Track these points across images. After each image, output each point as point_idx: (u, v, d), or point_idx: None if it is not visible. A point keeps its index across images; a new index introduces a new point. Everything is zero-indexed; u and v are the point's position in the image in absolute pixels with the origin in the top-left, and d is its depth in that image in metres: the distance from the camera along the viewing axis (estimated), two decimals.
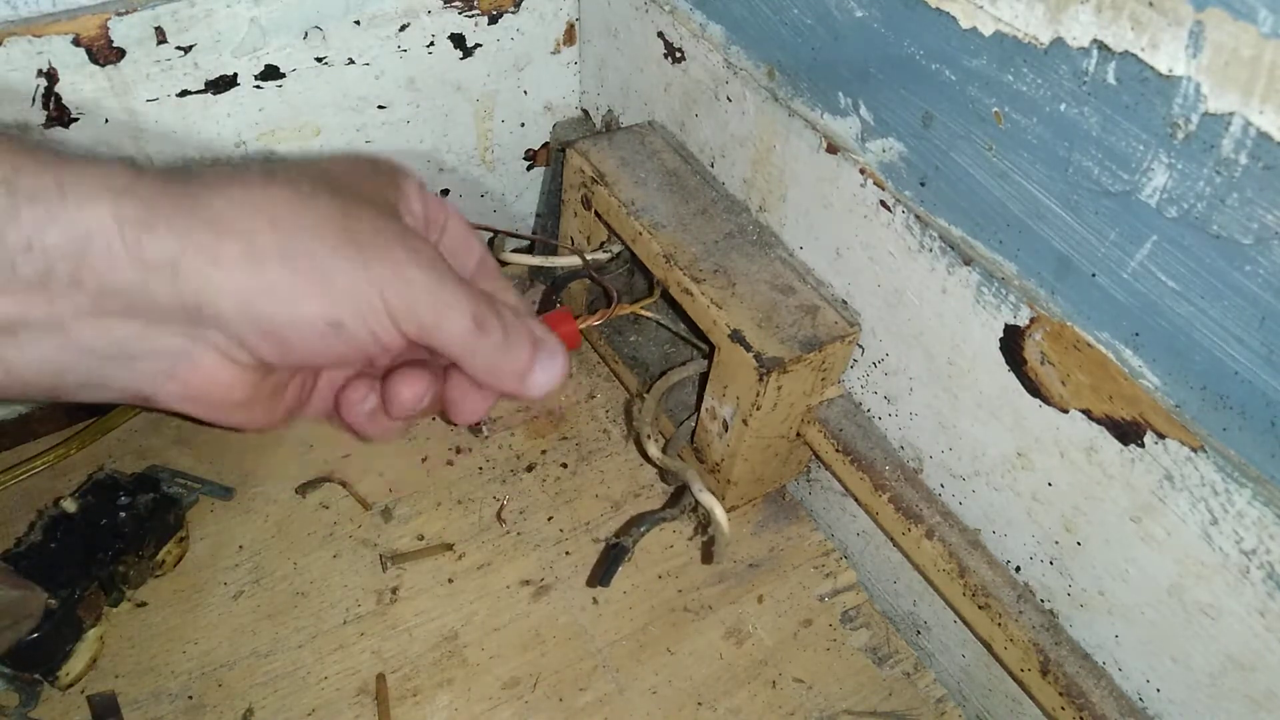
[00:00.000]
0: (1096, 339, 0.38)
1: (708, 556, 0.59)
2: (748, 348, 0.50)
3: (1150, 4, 0.30)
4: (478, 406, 0.34)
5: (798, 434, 0.55)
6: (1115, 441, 0.39)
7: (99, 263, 0.25)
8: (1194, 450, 0.35)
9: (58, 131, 0.52)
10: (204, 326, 0.27)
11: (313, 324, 0.28)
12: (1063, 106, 0.35)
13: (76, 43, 0.50)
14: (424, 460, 0.64)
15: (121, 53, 0.51)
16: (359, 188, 0.30)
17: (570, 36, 0.67)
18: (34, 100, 0.51)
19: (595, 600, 0.57)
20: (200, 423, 0.31)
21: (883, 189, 0.46)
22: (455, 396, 0.33)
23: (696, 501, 0.52)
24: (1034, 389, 0.42)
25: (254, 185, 0.27)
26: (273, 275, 0.27)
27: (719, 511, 0.51)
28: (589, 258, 0.62)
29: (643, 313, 0.60)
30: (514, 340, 0.32)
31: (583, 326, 0.50)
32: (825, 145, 0.48)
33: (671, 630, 0.56)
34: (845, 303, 0.52)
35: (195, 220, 0.26)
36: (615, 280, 0.64)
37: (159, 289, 0.25)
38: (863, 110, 0.45)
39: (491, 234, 0.67)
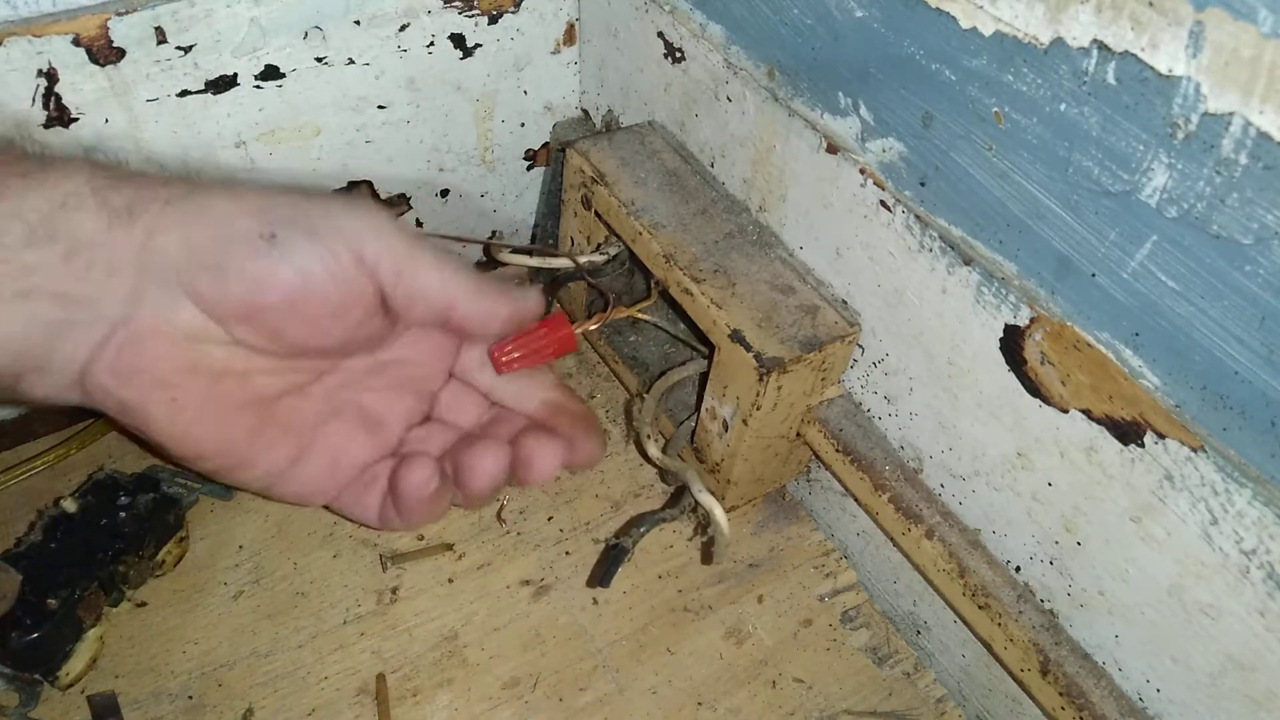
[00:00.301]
0: (1096, 339, 0.38)
1: (707, 557, 0.59)
2: (748, 348, 0.50)
3: (1150, 4, 0.30)
4: (551, 460, 0.34)
5: (798, 434, 0.55)
6: (1115, 441, 0.39)
7: (72, 214, 0.26)
8: (1194, 450, 0.35)
9: (58, 131, 0.52)
10: (149, 278, 0.27)
11: (247, 238, 0.28)
12: (1063, 106, 0.35)
13: (76, 43, 0.50)
14: None
15: (121, 53, 0.51)
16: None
17: (570, 36, 0.67)
18: (34, 100, 0.51)
19: (595, 600, 0.57)
20: (148, 441, 0.31)
21: (883, 189, 0.46)
22: (526, 453, 0.34)
23: (696, 502, 0.52)
24: (1034, 389, 0.42)
25: (193, 192, 0.29)
26: (215, 202, 0.28)
27: (718, 512, 0.51)
28: (583, 260, 0.61)
29: (640, 316, 0.60)
30: (486, 285, 0.33)
31: (579, 331, 0.50)
32: (825, 145, 0.48)
33: (671, 630, 0.56)
34: (845, 303, 0.52)
35: (154, 181, 0.28)
36: (614, 282, 0.64)
37: (117, 234, 0.27)
38: (863, 110, 0.45)
39: (489, 234, 0.67)
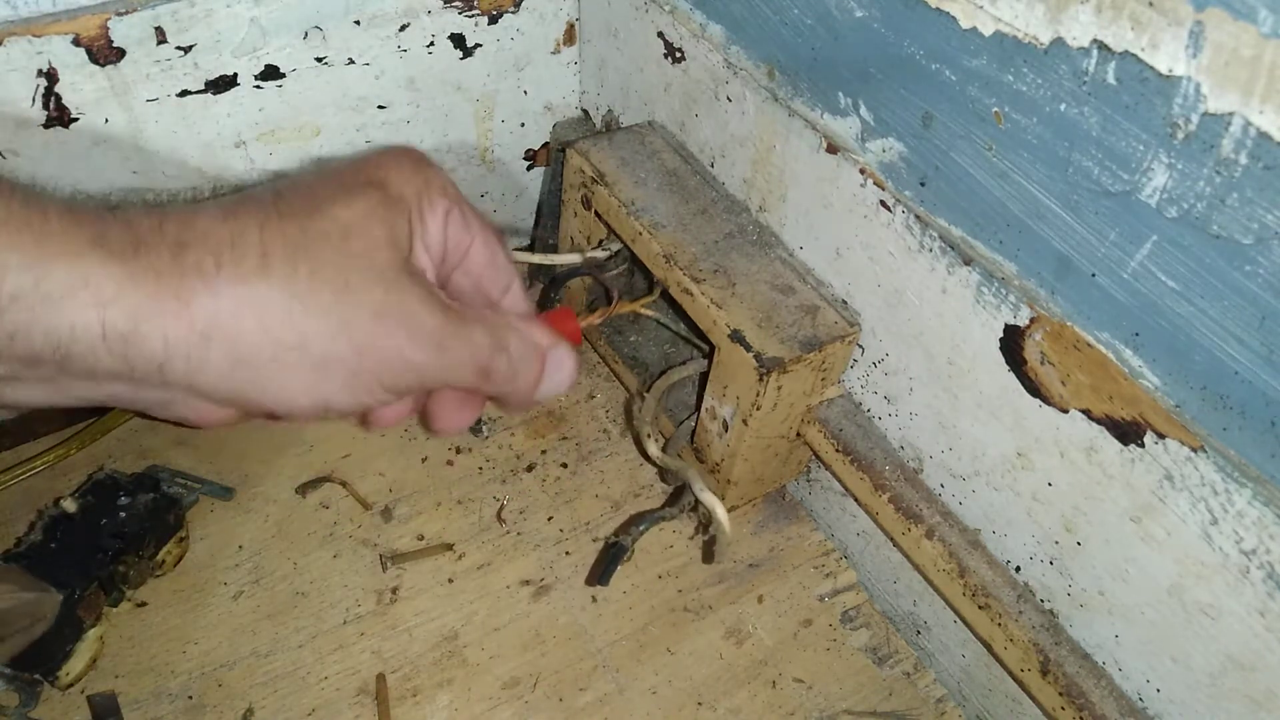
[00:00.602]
0: (1096, 339, 0.38)
1: (709, 556, 0.60)
2: (748, 348, 0.50)
3: (1150, 4, 0.30)
4: (463, 418, 0.34)
5: (798, 434, 0.55)
6: (1115, 441, 0.39)
7: (84, 357, 0.24)
8: (1194, 450, 0.35)
9: (58, 131, 0.52)
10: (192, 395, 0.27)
11: (303, 411, 0.28)
12: (1063, 106, 0.35)
13: (76, 43, 0.50)
14: (424, 460, 0.64)
15: (121, 53, 0.51)
16: (367, 233, 0.28)
17: (570, 36, 0.67)
18: (34, 100, 0.51)
19: (595, 600, 0.57)
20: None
21: (883, 189, 0.46)
22: (437, 409, 0.33)
23: (698, 501, 0.52)
24: (1034, 389, 0.42)
25: (247, 276, 0.26)
26: (261, 375, 0.27)
27: (720, 511, 0.51)
28: (588, 255, 0.62)
29: (643, 311, 0.60)
30: (523, 366, 0.32)
31: (583, 325, 0.50)
32: (825, 145, 0.48)
33: (671, 630, 0.56)
34: (845, 303, 0.52)
35: (180, 323, 0.25)
36: (615, 280, 0.64)
37: (145, 377, 0.25)
38: (863, 110, 0.45)
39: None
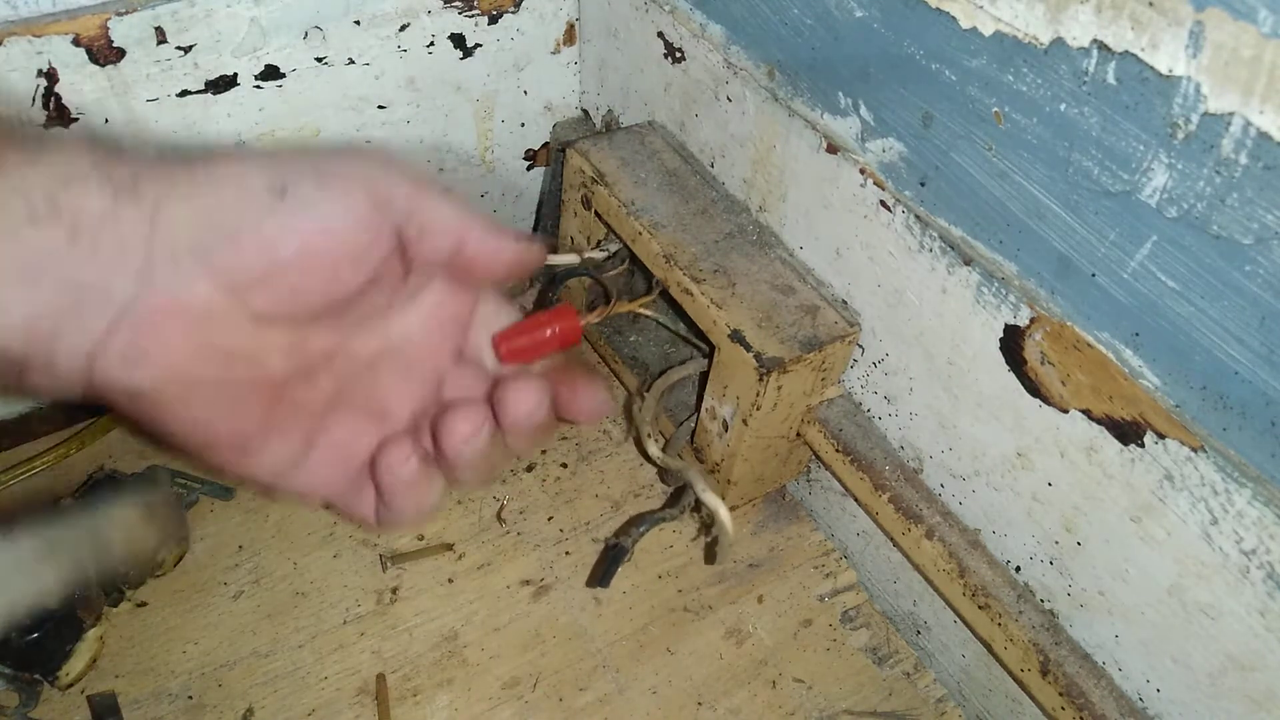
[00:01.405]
0: (1096, 339, 0.38)
1: (711, 556, 0.59)
2: (748, 348, 0.50)
3: (1150, 4, 0.30)
4: (528, 396, 0.33)
5: (798, 434, 0.55)
6: (1115, 441, 0.39)
7: (75, 191, 0.26)
8: (1194, 450, 0.35)
9: (58, 132, 0.52)
10: (159, 253, 0.27)
11: (257, 196, 0.28)
12: (1063, 106, 0.35)
13: (76, 43, 0.50)
14: None
15: (121, 53, 0.51)
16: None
17: (570, 36, 0.67)
18: (34, 100, 0.51)
19: (595, 600, 0.57)
20: (162, 435, 0.30)
21: (883, 189, 0.46)
22: (501, 396, 0.32)
23: (700, 502, 0.52)
24: (1034, 389, 0.42)
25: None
26: (220, 168, 0.28)
27: (724, 513, 0.51)
28: (586, 255, 0.62)
29: (642, 311, 0.60)
30: (494, 223, 0.33)
31: (583, 323, 0.50)
32: (825, 145, 0.48)
33: (671, 630, 0.56)
34: (845, 303, 0.52)
35: (157, 156, 0.28)
36: (614, 280, 0.64)
37: (124, 209, 0.26)
38: (863, 110, 0.45)
39: None
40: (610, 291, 0.59)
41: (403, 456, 0.32)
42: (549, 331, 0.41)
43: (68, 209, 0.26)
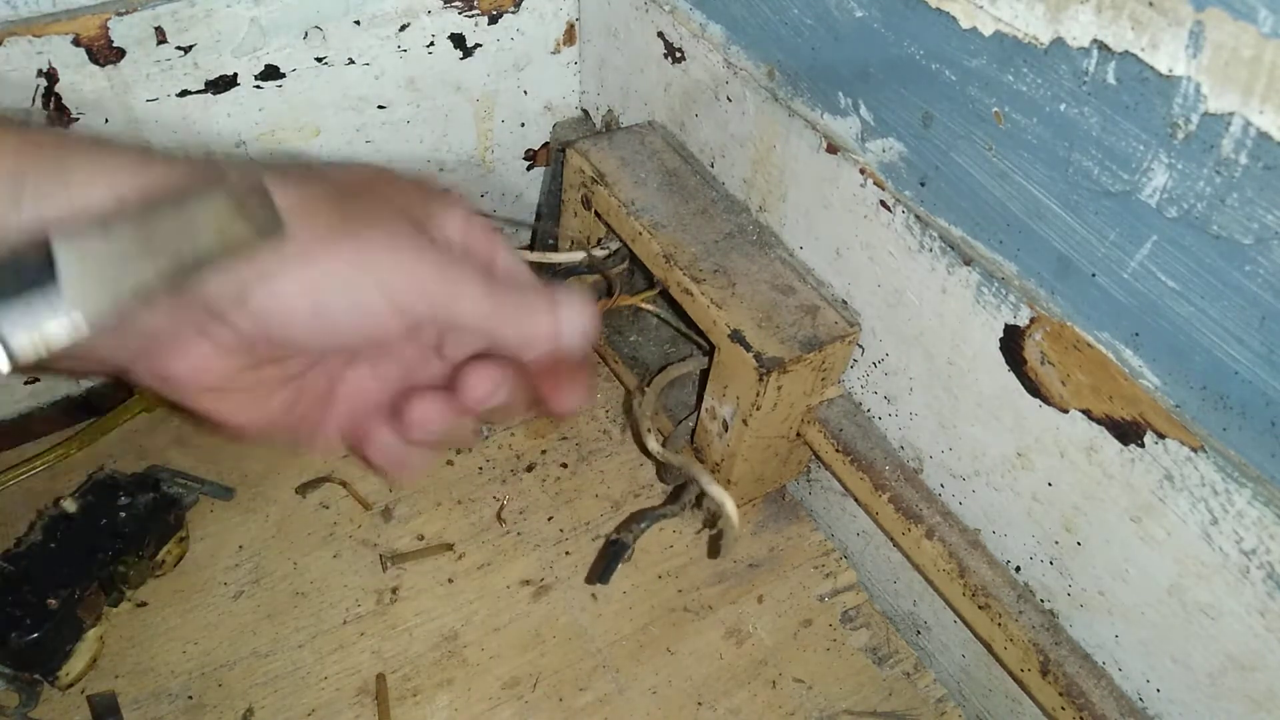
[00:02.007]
0: (1096, 339, 0.38)
1: (714, 550, 0.59)
2: (748, 348, 0.50)
3: (1150, 4, 0.30)
4: (485, 378, 0.33)
5: (798, 434, 0.55)
6: (1115, 441, 0.39)
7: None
8: (1194, 450, 0.35)
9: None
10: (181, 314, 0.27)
11: (294, 309, 0.28)
12: (1063, 106, 0.35)
13: (76, 43, 0.50)
14: None
15: (121, 53, 0.51)
16: (387, 198, 0.30)
17: (570, 36, 0.67)
18: (34, 100, 0.51)
19: (595, 600, 0.57)
20: (195, 419, 0.31)
21: (883, 189, 0.46)
22: (461, 379, 0.33)
23: (705, 494, 0.52)
24: (1034, 389, 0.42)
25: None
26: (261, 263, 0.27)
27: (730, 505, 0.51)
28: (586, 255, 0.62)
29: (644, 305, 0.60)
30: (532, 298, 0.32)
31: None
32: (825, 145, 0.48)
33: (671, 630, 0.56)
34: (845, 303, 0.52)
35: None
36: (616, 276, 0.64)
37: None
38: (863, 110, 0.45)
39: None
40: (614, 286, 0.59)
41: (384, 442, 0.33)
42: None
43: None
